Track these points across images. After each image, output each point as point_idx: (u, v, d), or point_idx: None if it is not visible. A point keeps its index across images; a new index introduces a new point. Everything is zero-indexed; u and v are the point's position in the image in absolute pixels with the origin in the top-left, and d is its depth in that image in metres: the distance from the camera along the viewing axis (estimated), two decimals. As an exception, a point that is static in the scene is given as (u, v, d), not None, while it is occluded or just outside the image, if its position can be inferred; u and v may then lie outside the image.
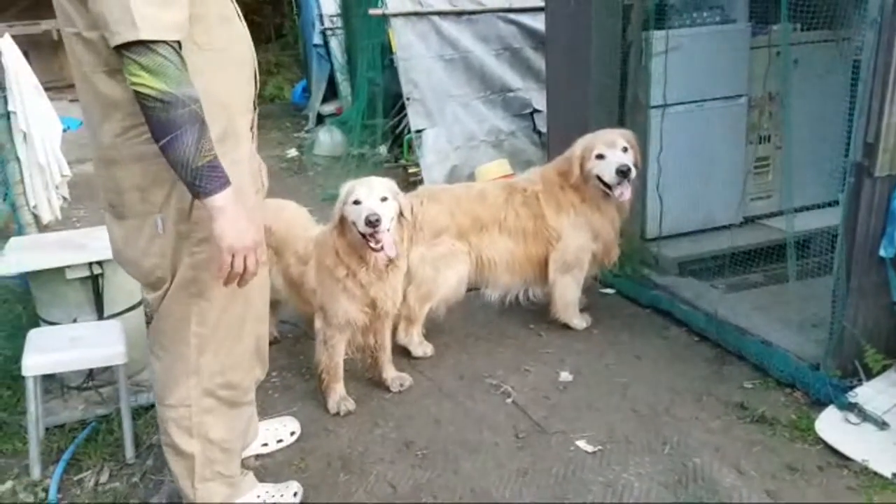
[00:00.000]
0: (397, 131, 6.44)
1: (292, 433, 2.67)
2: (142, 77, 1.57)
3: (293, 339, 3.47)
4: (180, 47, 1.63)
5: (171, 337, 1.97)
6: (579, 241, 3.21)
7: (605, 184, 3.12)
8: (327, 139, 6.99)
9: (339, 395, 2.82)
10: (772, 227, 3.84)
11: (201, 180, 1.66)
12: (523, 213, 3.21)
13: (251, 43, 1.95)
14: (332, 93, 7.82)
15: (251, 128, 1.98)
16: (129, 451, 2.61)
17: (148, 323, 3.28)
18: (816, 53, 3.77)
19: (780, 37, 3.69)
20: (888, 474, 2.24)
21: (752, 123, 3.92)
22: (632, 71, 3.64)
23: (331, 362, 2.78)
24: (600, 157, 3.11)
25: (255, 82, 1.98)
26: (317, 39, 7.57)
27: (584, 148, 3.16)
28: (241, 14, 1.92)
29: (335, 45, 7.46)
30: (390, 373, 2.96)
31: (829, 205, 3.66)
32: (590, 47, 3.66)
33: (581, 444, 2.53)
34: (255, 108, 2.01)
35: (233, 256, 1.72)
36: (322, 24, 7.47)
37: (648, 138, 3.60)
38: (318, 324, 2.78)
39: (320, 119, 7.84)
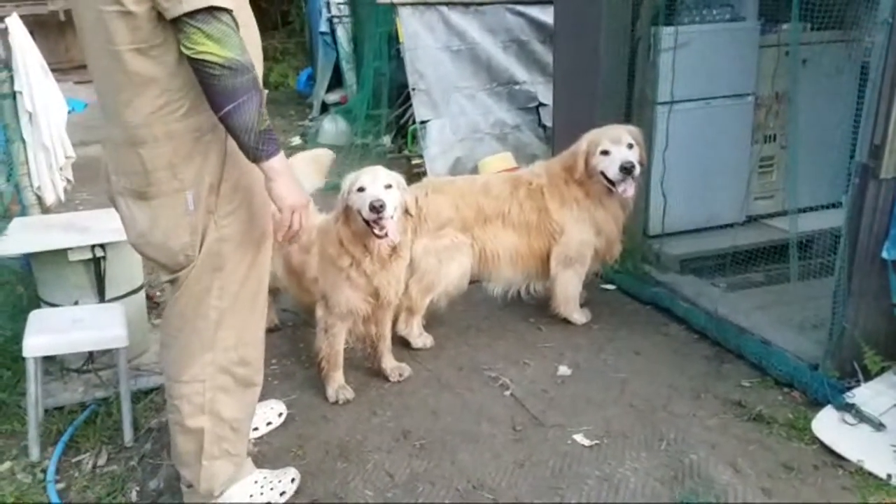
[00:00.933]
0: (402, 122, 6.43)
1: (280, 414, 2.71)
2: (206, 45, 1.60)
3: (293, 326, 3.48)
4: (234, 15, 1.66)
5: (191, 313, 1.97)
6: (582, 235, 3.21)
7: (608, 180, 3.11)
8: (331, 128, 6.97)
9: (338, 384, 2.83)
10: (774, 226, 3.84)
11: (264, 143, 1.73)
12: (527, 207, 3.21)
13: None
14: (337, 81, 7.79)
15: None
16: (128, 435, 2.62)
17: (150, 308, 3.32)
18: (825, 54, 3.74)
19: (790, 36, 3.67)
20: (883, 475, 2.25)
21: (758, 122, 3.90)
22: (640, 66, 3.63)
23: (331, 351, 2.79)
24: (605, 153, 3.10)
25: (260, 62, 2.00)
26: (323, 27, 7.54)
27: (590, 143, 3.15)
28: None
29: (342, 33, 7.42)
30: (390, 362, 2.97)
31: (833, 206, 3.65)
32: (598, 41, 3.64)
33: (578, 437, 2.54)
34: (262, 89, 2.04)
35: (292, 214, 1.82)
36: (329, 11, 7.43)
37: (654, 134, 3.59)
38: (319, 312, 2.78)
39: (325, 108, 7.81)
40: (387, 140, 6.58)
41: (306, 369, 3.08)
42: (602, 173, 3.12)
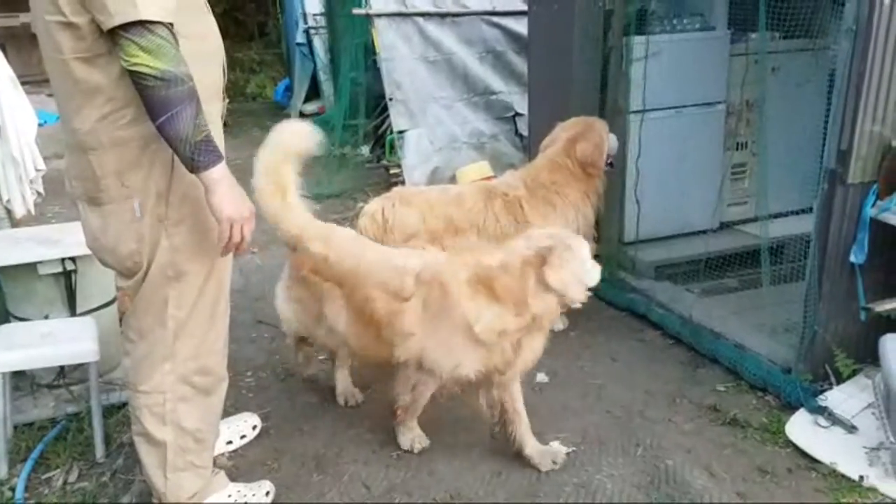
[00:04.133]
0: (380, 132, 6.43)
1: (254, 427, 2.68)
2: (140, 57, 1.63)
3: (269, 338, 3.44)
4: (172, 29, 1.68)
5: (149, 321, 1.99)
6: None
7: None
8: (309, 138, 6.95)
9: (414, 433, 2.56)
10: (747, 232, 3.88)
11: (199, 154, 1.73)
12: (504, 219, 3.17)
13: (219, 34, 1.99)
14: (314, 92, 7.79)
15: (221, 116, 2.02)
16: (100, 450, 2.58)
17: (121, 319, 3.27)
18: (794, 62, 3.82)
19: (758, 45, 3.75)
20: (856, 477, 2.28)
21: (729, 130, 3.96)
22: (612, 76, 3.67)
23: (414, 404, 2.47)
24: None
25: (224, 73, 2.03)
26: (300, 38, 7.54)
27: (604, 132, 3.23)
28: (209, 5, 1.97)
29: (318, 44, 7.43)
30: (534, 446, 2.44)
31: (805, 211, 3.71)
32: (571, 51, 3.67)
33: (555, 445, 2.53)
34: (224, 98, 2.05)
35: (230, 226, 1.80)
36: (305, 22, 7.44)
37: (627, 143, 3.63)
38: (408, 369, 2.39)
39: (302, 118, 7.80)
40: (365, 150, 6.58)
41: (282, 381, 3.05)
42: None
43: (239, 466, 2.51)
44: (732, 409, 2.65)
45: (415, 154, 5.41)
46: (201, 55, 1.85)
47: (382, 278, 2.35)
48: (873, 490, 2.23)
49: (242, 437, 2.63)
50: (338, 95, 7.03)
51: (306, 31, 7.47)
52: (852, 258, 2.52)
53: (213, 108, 1.95)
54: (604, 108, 3.70)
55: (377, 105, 6.35)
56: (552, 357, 3.13)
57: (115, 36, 1.64)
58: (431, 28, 5.53)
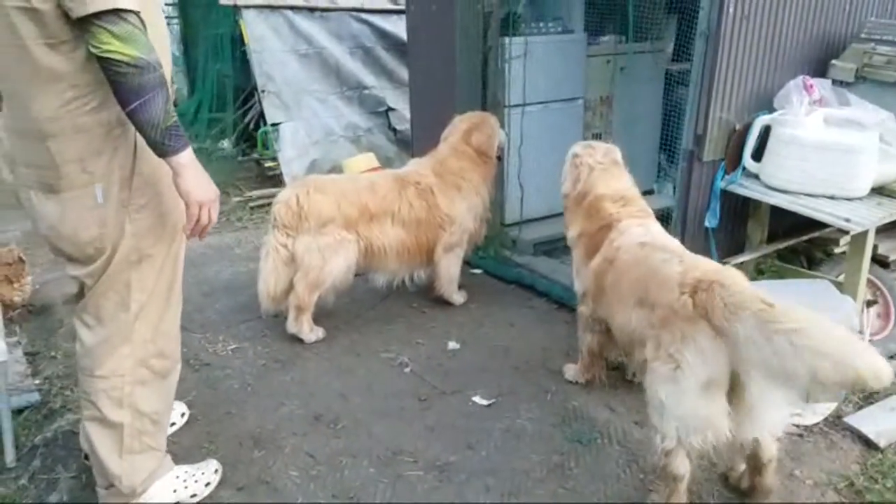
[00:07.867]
0: (243, 125, 6.32)
1: (182, 414, 2.69)
2: (113, 45, 1.64)
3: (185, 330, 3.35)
4: (140, 16, 1.70)
5: (110, 306, 1.98)
6: (469, 222, 3.54)
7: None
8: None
9: None
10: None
11: (170, 139, 1.76)
12: (417, 205, 3.40)
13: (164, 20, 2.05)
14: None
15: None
16: (10, 455, 2.44)
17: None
18: (638, 63, 4.43)
19: (609, 47, 4.31)
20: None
21: (587, 122, 4.50)
22: (492, 73, 4.02)
23: None
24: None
25: (170, 59, 2.06)
26: (147, 28, 7.13)
27: (496, 126, 3.61)
28: None
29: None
30: None
31: (646, 193, 4.30)
32: (454, 50, 3.95)
33: (477, 399, 2.81)
34: (173, 83, 2.12)
35: (199, 209, 1.85)
36: (153, 11, 7.05)
37: (508, 134, 4.00)
38: None
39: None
40: (226, 144, 6.41)
41: (196, 372, 3.04)
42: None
43: (175, 452, 2.47)
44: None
45: (291, 147, 5.43)
46: (157, 40, 1.86)
47: None
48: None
49: (172, 424, 2.60)
50: (193, 89, 6.77)
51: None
52: (707, 223, 3.07)
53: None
54: (486, 103, 4.05)
55: (238, 97, 6.24)
56: (458, 327, 3.44)
57: (85, 23, 1.64)
58: (301, 21, 5.57)
